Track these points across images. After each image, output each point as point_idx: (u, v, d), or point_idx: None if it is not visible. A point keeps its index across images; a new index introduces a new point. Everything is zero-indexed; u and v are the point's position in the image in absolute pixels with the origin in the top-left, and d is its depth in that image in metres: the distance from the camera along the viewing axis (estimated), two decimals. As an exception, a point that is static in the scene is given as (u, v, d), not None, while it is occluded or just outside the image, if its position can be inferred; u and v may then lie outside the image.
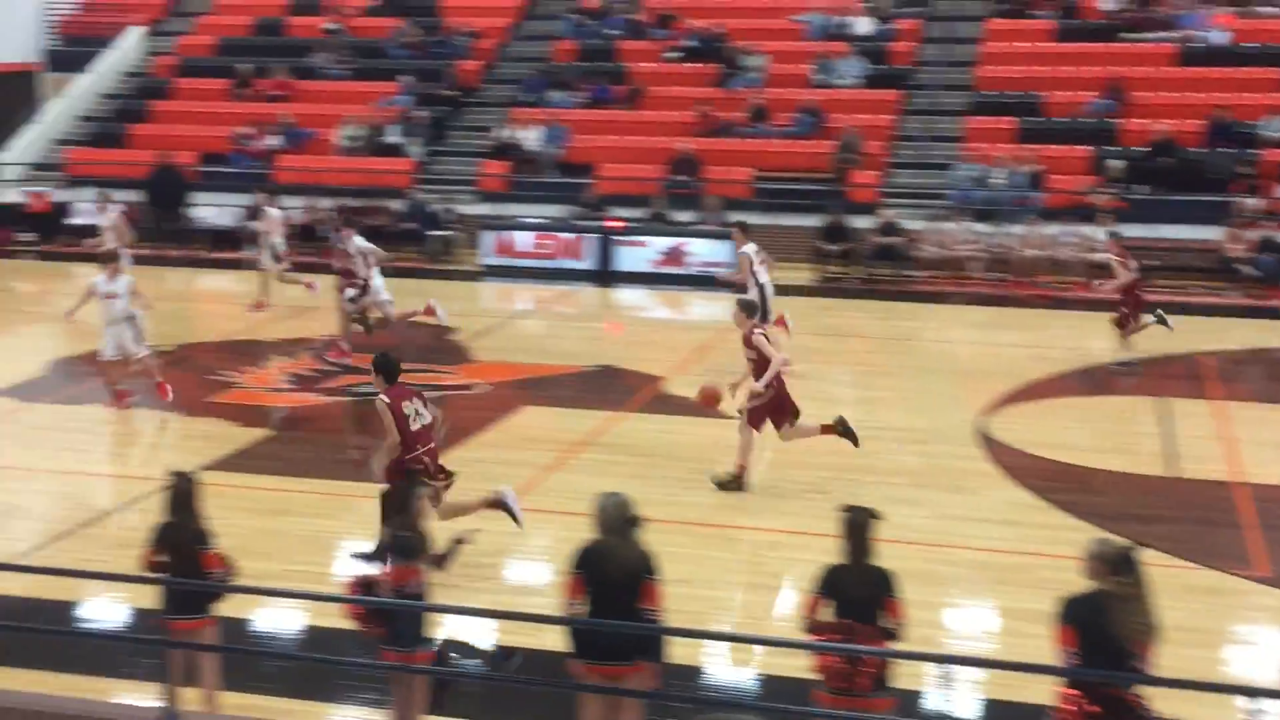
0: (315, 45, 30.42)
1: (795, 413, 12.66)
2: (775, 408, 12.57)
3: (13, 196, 27.04)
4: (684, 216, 24.52)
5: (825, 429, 12.86)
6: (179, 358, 18.00)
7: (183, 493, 7.81)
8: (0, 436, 14.52)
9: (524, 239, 24.17)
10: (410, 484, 7.54)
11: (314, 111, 28.61)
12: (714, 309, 22.19)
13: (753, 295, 15.69)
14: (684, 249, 23.58)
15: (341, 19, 31.22)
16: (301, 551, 11.22)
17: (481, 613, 9.30)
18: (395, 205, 25.52)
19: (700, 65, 28.55)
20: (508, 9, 31.67)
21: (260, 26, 31.82)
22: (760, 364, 12.49)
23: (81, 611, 10.16)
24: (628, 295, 23.23)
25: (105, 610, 10.18)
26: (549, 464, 13.47)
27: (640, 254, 23.72)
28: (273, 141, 27.81)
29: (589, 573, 7.14)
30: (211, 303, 22.70)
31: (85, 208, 26.29)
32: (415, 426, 10.28)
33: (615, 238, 23.85)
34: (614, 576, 7.12)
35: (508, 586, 10.89)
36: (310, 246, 24.99)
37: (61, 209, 26.37)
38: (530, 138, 26.95)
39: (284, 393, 16.14)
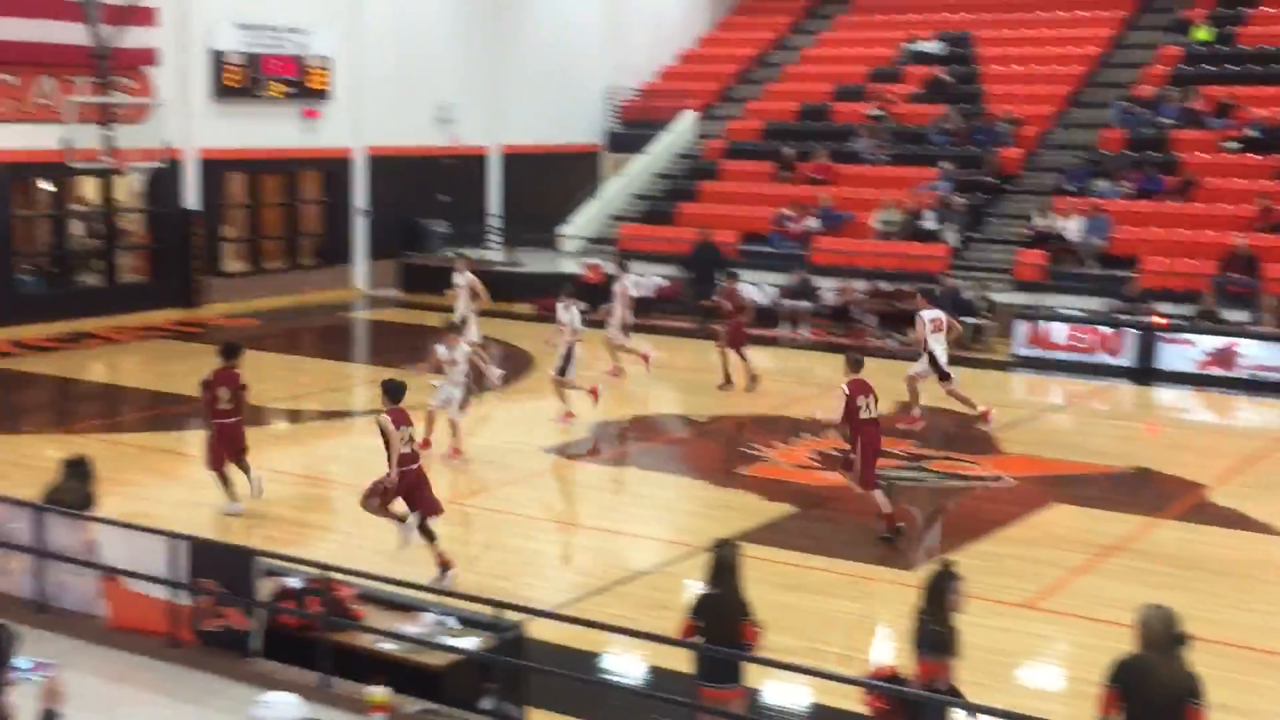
0: (857, 130, 31.00)
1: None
2: (869, 455, 13.48)
3: (571, 267, 29.08)
4: (1236, 316, 23.06)
5: (887, 517, 13.55)
6: (711, 429, 18.69)
7: (726, 562, 8.07)
8: (548, 491, 15.53)
9: (1059, 330, 23.46)
10: (948, 577, 7.41)
11: (853, 195, 29.12)
12: (1266, 415, 20.69)
13: (924, 360, 17.81)
14: (1235, 350, 22.14)
15: (885, 105, 31.68)
16: (819, 630, 11.30)
17: (1002, 714, 9.00)
18: (928, 291, 25.46)
19: (1262, 157, 26.89)
20: (1054, 97, 31.11)
21: (805, 112, 32.80)
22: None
23: (611, 665, 10.66)
24: (1169, 395, 22.04)
25: (634, 667, 10.64)
26: (1077, 566, 12.93)
27: (1185, 353, 22.46)
28: (811, 223, 28.52)
29: (1128, 688, 6.76)
30: (745, 377, 23.38)
31: (635, 280, 27.86)
32: (404, 450, 12.08)
33: (1158, 334, 22.73)
34: (1155, 696, 6.70)
35: (1024, 688, 10.52)
36: (841, 327, 25.45)
37: (613, 281, 28.01)
38: (1071, 227, 26.25)
39: (810, 470, 16.38)
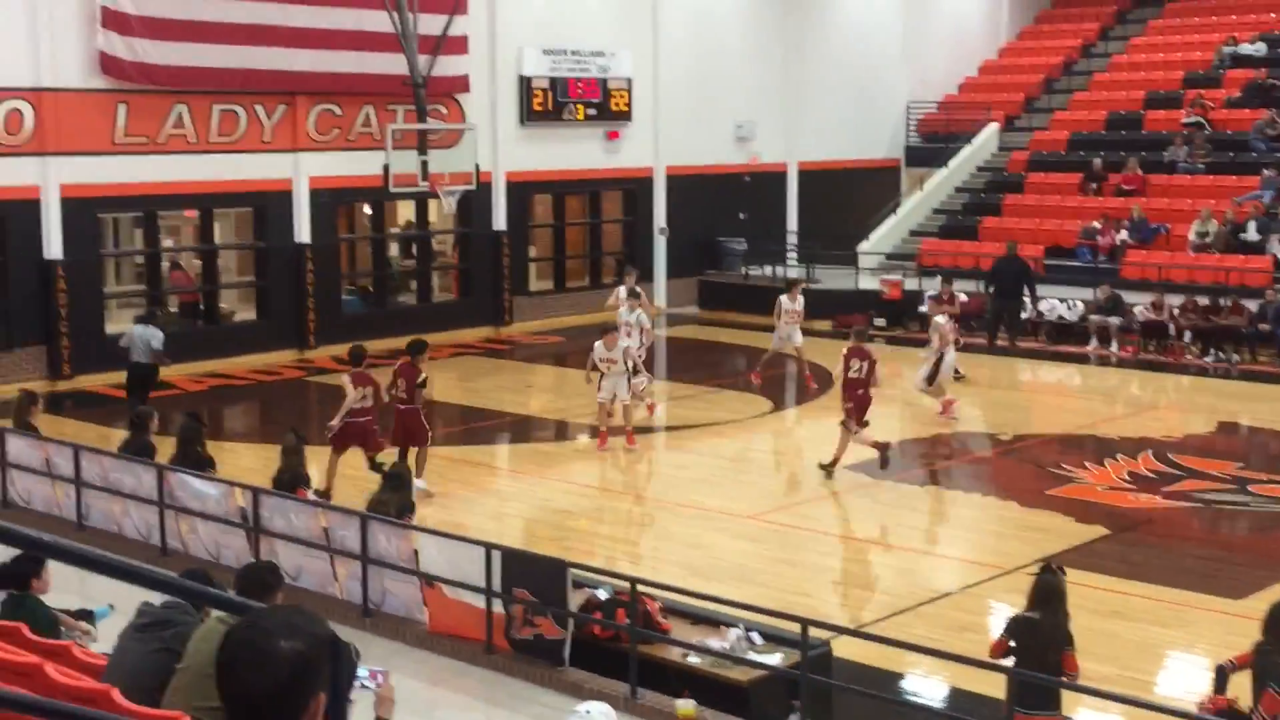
0: (1172, 138, 29.76)
1: (864, 423, 16.37)
2: (859, 410, 16.31)
3: (870, 283, 28.85)
4: None
5: (876, 444, 16.29)
6: (1014, 448, 18.24)
7: (1052, 587, 7.84)
8: (851, 510, 15.43)
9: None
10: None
11: (1166, 206, 27.95)
12: None
13: (933, 361, 19.55)
14: None
15: (1202, 111, 30.30)
16: (1136, 658, 10.87)
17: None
18: (1251, 305, 24.23)
19: None
20: (1391, 96, 29.15)
21: (1114, 121, 31.68)
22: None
23: (916, 686, 10.49)
24: None
25: (939, 689, 10.45)
26: None
27: None
28: (1121, 236, 27.50)
29: None
30: (1051, 395, 22.76)
31: (933, 295, 27.40)
32: (357, 405, 14.99)
33: None
34: None
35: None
36: (1155, 343, 24.45)
37: (911, 297, 27.66)
38: None
39: (1124, 492, 15.78)
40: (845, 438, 16.28)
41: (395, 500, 11.70)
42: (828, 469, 16.26)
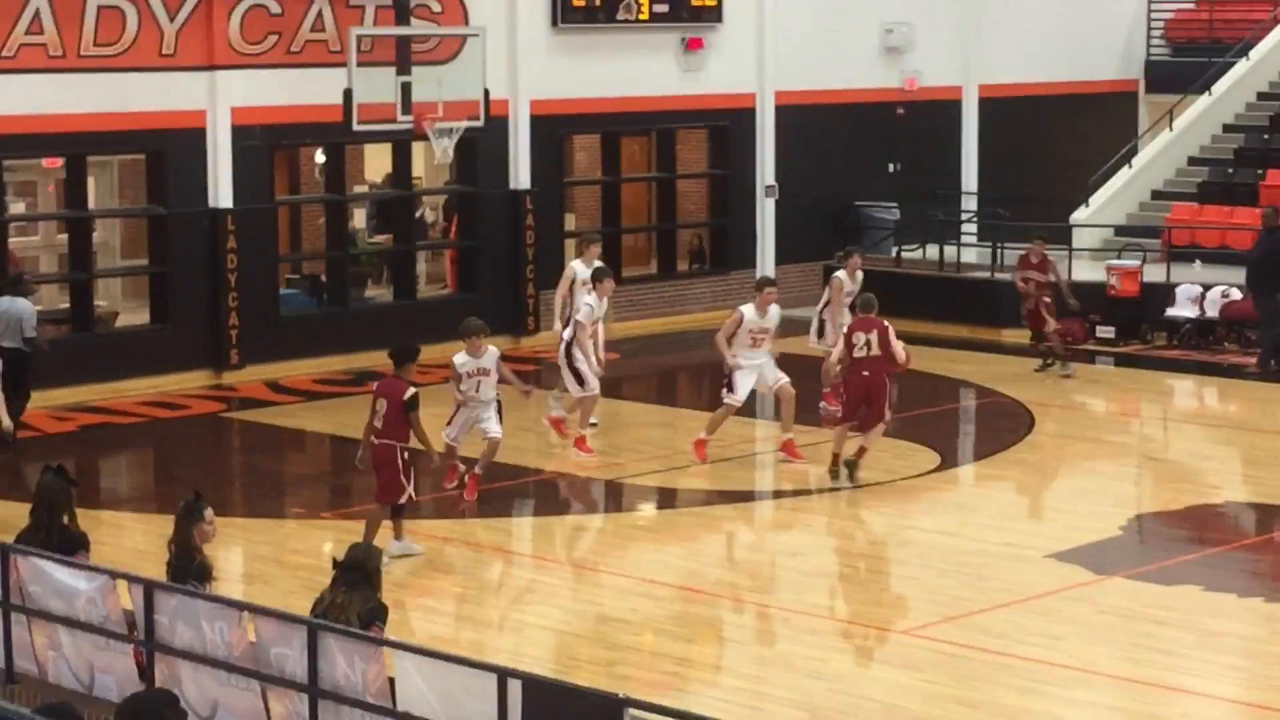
0: None
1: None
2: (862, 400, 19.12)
3: (1091, 272, 28.48)
4: None
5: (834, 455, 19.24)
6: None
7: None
8: (1060, 620, 15.31)
9: None
10: None
11: None
12: None
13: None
14: None
15: None
16: None
17: None
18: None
19: None
20: None
21: None
22: None
23: None
24: None
25: None
26: None
27: None
28: None
29: None
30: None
31: (1189, 292, 27.12)
32: None
33: None
34: None
35: None
36: None
37: (1156, 293, 27.35)
38: None
39: None
40: (841, 432, 19.15)
41: (358, 601, 11.69)
42: (835, 471, 19.01)
